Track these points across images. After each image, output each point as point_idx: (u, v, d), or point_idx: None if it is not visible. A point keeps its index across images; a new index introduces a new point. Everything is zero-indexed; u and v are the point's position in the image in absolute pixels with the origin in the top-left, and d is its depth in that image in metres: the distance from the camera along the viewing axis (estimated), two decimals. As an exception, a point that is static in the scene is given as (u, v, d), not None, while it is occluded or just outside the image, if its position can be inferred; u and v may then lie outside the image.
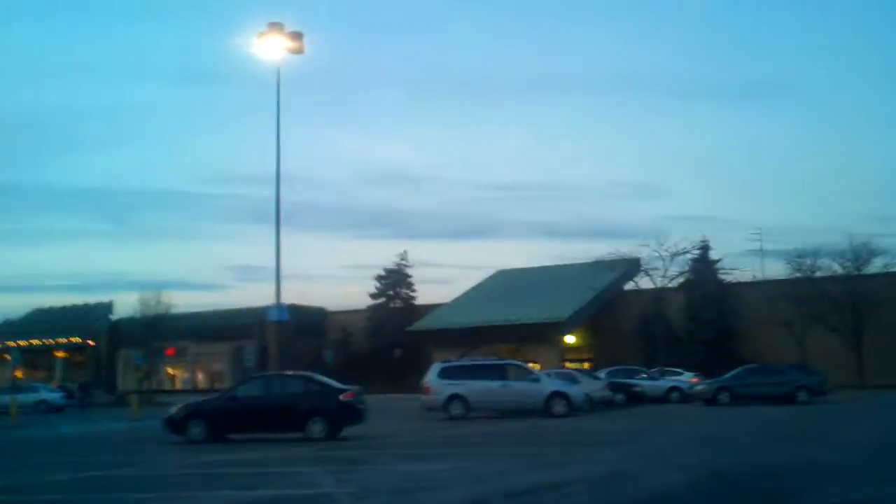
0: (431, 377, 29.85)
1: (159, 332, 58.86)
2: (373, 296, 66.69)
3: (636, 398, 36.48)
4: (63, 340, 68.21)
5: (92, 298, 73.78)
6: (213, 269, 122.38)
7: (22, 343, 64.56)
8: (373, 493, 12.25)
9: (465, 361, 32.38)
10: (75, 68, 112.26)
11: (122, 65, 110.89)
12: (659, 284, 54.98)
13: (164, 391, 60.58)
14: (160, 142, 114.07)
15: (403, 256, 66.99)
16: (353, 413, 21.80)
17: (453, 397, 28.80)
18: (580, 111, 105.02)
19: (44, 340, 68.26)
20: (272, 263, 37.40)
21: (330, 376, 25.46)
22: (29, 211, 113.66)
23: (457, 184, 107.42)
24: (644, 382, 38.60)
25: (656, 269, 54.57)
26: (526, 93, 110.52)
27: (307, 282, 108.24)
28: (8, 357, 58.84)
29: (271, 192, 38.56)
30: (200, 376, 66.71)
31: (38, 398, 47.81)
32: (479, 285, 65.29)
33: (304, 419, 21.27)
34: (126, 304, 66.91)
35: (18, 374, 60.23)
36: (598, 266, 54.77)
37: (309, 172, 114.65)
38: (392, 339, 61.45)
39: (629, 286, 58.81)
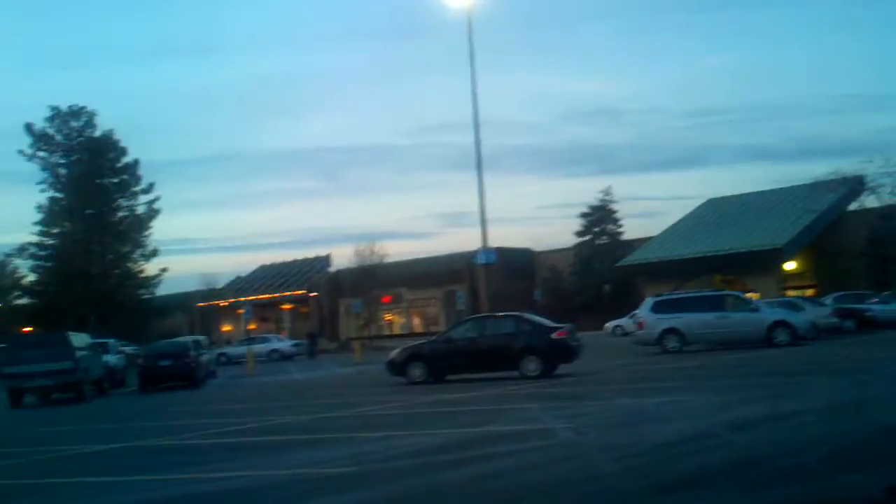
0: (644, 311, 29.37)
1: (375, 280, 61.27)
2: (578, 233, 66.18)
3: (867, 324, 34.27)
4: (288, 293, 72.56)
5: (311, 253, 78.14)
6: (422, 217, 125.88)
7: (252, 298, 69.22)
8: (593, 427, 12.23)
9: (679, 294, 31.57)
10: (281, 38, 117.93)
11: (322, 31, 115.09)
12: (888, 202, 50.96)
13: (383, 336, 63.21)
14: (365, 100, 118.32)
15: (608, 192, 65.92)
16: (566, 350, 21.85)
17: (668, 331, 28.21)
18: (788, 22, 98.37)
19: (271, 294, 72.96)
20: (477, 208, 37.81)
21: (541, 316, 25.58)
22: (250, 175, 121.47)
23: (660, 113, 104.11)
24: (875, 307, 36.16)
25: (883, 185, 50.56)
26: (728, 7, 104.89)
27: (513, 224, 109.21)
28: (241, 311, 63.29)
29: (472, 139, 38.82)
30: (416, 321, 69.08)
31: (270, 347, 51.29)
32: (688, 216, 63.13)
33: (519, 358, 21.54)
34: (342, 257, 70.22)
35: (251, 326, 64.74)
36: (817, 187, 51.40)
37: (510, 115, 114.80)
38: (601, 275, 60.90)
39: (853, 206, 55.03)
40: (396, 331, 68.39)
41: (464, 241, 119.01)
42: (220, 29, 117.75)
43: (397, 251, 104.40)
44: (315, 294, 71.79)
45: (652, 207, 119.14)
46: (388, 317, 70.18)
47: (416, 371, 22.56)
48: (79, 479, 10.83)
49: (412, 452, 11.02)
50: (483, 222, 37.76)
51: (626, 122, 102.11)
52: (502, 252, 51.50)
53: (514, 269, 60.85)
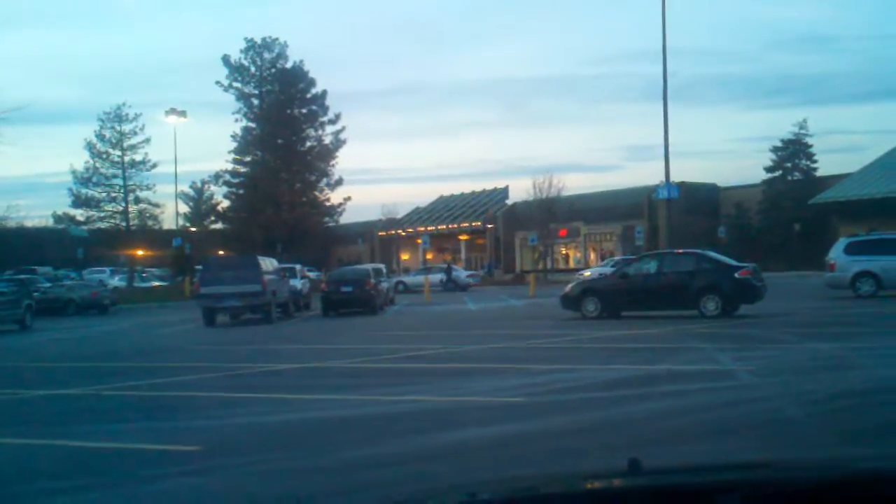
0: (836, 253, 27.71)
1: (552, 213, 60.94)
2: (768, 169, 63.11)
3: None
4: (465, 224, 73.47)
5: (490, 185, 78.61)
6: (604, 150, 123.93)
7: (430, 228, 70.58)
8: (772, 370, 11.70)
9: (877, 236, 29.54)
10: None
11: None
12: None
13: (559, 270, 63.03)
14: (553, 27, 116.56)
15: (803, 125, 62.33)
16: (749, 290, 20.98)
17: (861, 274, 26.53)
18: None
19: (448, 225, 74.13)
20: (662, 141, 36.49)
21: (723, 254, 24.68)
22: (433, 106, 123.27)
23: (879, 40, 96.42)
24: None
25: None
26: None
27: (700, 158, 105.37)
28: (419, 241, 64.69)
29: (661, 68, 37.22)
30: (592, 255, 68.38)
31: (444, 278, 52.21)
32: (892, 151, 58.76)
33: (697, 297, 20.89)
34: (521, 189, 70.27)
35: (429, 256, 66.10)
36: None
37: (710, 43, 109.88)
38: (790, 214, 57.99)
39: None
40: (572, 265, 68.03)
41: (646, 174, 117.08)
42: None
43: (577, 184, 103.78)
44: (491, 226, 72.31)
45: (857, 142, 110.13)
46: (563, 250, 69.88)
47: (591, 306, 22.34)
48: (267, 395, 11.41)
49: (582, 387, 10.93)
50: (666, 156, 36.43)
51: (839, 50, 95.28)
52: (685, 187, 49.92)
53: (696, 205, 58.92)
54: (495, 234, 72.29)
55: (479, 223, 72.80)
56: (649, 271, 22.45)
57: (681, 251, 24.86)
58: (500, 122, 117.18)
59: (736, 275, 21.12)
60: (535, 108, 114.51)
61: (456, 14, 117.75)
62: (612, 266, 46.89)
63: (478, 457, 7.41)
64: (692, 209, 57.28)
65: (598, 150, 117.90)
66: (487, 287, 52.80)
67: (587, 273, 45.49)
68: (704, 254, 23.17)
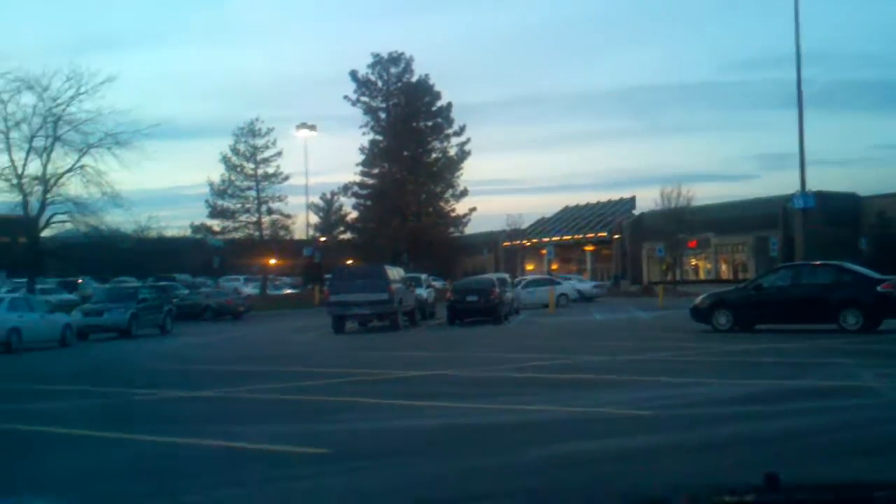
0: None
1: (681, 224, 59.56)
2: (913, 177, 59.90)
3: None
4: (591, 235, 72.71)
5: (616, 195, 77.65)
6: (737, 158, 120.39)
7: (555, 239, 70.13)
8: (921, 389, 11.06)
9: None
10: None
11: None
12: None
13: (688, 282, 61.51)
14: (687, 33, 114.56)
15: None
16: (892, 304, 19.91)
17: None
18: None
19: (574, 236, 73.51)
20: (797, 149, 35.07)
21: (865, 266, 23.56)
22: (561, 116, 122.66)
23: None
24: None
25: None
26: None
27: (839, 166, 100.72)
28: (544, 252, 64.34)
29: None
30: (723, 267, 66.46)
31: (572, 288, 51.63)
32: None
33: (836, 310, 19.99)
34: (649, 199, 68.98)
35: (554, 266, 65.64)
36: None
37: (852, 47, 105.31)
38: (938, 224, 54.83)
39: None
40: (702, 276, 66.27)
41: (781, 184, 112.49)
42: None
43: (707, 194, 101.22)
44: (618, 236, 71.28)
45: None
46: (693, 262, 68.18)
47: (722, 319, 21.69)
48: (395, 402, 11.46)
49: (714, 401, 10.61)
50: (802, 163, 35.00)
51: None
52: (823, 196, 47.85)
53: (835, 215, 56.39)
54: (622, 245, 71.22)
55: (605, 234, 71.90)
56: (785, 283, 21.66)
57: (818, 263, 23.87)
58: (629, 131, 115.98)
59: (878, 288, 20.11)
60: (665, 117, 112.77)
61: (584, 23, 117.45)
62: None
63: (603, 469, 7.27)
64: (831, 219, 54.91)
65: (730, 159, 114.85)
66: (614, 298, 52.01)
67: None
68: (844, 266, 22.18)
